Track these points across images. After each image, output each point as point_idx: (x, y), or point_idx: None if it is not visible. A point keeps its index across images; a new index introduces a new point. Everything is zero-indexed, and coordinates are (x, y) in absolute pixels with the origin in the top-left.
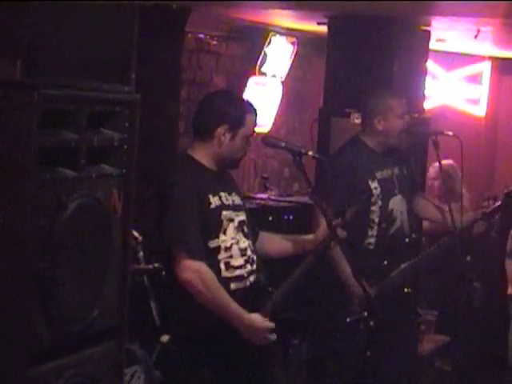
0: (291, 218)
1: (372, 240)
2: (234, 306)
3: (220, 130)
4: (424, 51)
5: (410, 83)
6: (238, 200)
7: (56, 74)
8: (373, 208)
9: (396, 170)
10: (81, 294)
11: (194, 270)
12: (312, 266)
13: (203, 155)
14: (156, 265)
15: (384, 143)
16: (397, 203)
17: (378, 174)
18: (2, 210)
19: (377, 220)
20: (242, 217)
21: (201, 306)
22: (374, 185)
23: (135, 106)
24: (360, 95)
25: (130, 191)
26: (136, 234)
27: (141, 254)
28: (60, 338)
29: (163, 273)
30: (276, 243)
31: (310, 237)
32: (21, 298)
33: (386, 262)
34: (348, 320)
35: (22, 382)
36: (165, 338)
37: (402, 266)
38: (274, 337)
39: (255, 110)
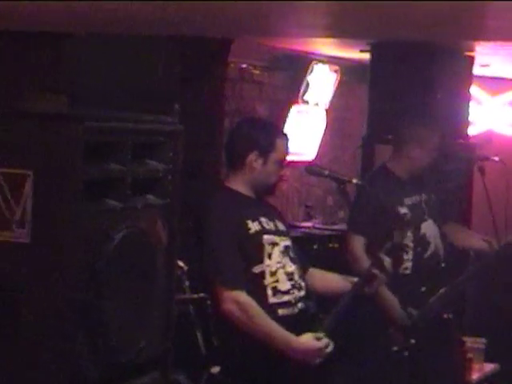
0: (336, 246)
1: (408, 264)
2: (278, 330)
3: (251, 157)
4: (468, 77)
5: (454, 109)
6: (281, 226)
7: (100, 106)
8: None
9: (424, 196)
10: (127, 324)
11: (232, 300)
12: (360, 292)
13: (239, 183)
14: (201, 294)
15: (410, 171)
16: (429, 228)
17: (407, 200)
18: (48, 241)
19: (411, 244)
20: (288, 242)
21: (246, 335)
22: (403, 210)
23: (179, 137)
24: (397, 122)
25: (174, 221)
26: (181, 263)
27: (186, 283)
28: (106, 370)
29: (208, 302)
30: (327, 282)
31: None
32: (67, 330)
33: (423, 289)
34: (395, 349)
35: None
36: (215, 369)
37: (440, 291)
38: (329, 350)
39: (285, 134)
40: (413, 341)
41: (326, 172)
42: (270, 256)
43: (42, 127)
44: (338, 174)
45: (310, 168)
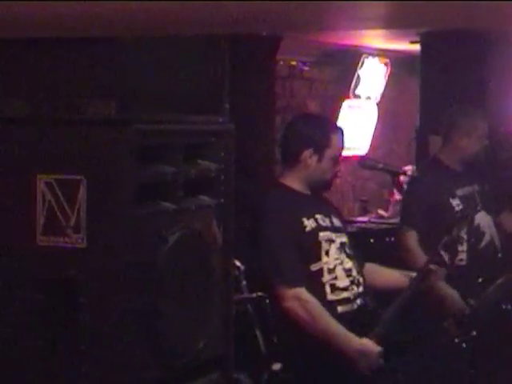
0: (393, 239)
1: (463, 256)
2: (340, 330)
3: (306, 154)
4: None
5: (507, 98)
6: (337, 222)
7: (150, 108)
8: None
9: (476, 187)
10: (185, 325)
11: (293, 297)
12: (419, 288)
13: (294, 180)
14: (259, 293)
15: (462, 160)
16: (482, 218)
17: (459, 192)
18: (104, 245)
19: (465, 236)
20: (344, 238)
21: (307, 332)
22: (455, 202)
23: (230, 136)
24: (447, 112)
25: (229, 221)
26: (238, 263)
27: (244, 283)
28: (166, 372)
29: (267, 301)
30: (384, 276)
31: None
32: (125, 333)
33: (480, 280)
34: (456, 340)
35: None
36: (276, 366)
37: (498, 282)
38: (381, 361)
39: (341, 129)
40: (474, 332)
41: (380, 165)
42: (327, 253)
43: (92, 132)
44: (392, 167)
45: (363, 162)
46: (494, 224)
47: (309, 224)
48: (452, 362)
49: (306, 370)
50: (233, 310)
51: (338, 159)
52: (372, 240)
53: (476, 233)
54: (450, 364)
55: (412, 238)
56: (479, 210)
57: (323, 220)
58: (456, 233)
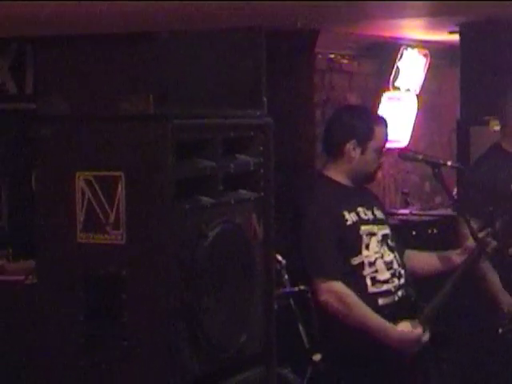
0: (435, 231)
1: None
2: (375, 318)
3: (349, 146)
4: None
5: None
6: (380, 214)
7: (188, 103)
8: None
9: None
10: (227, 320)
11: (329, 290)
12: (462, 280)
13: (337, 173)
14: (301, 287)
15: None
16: None
17: None
18: (144, 242)
19: None
20: (386, 230)
21: (345, 324)
22: None
23: (269, 130)
24: (497, 100)
25: (269, 215)
26: (279, 257)
27: (286, 277)
28: (210, 366)
29: (309, 295)
30: (423, 261)
31: (457, 251)
32: (168, 329)
33: None
34: (500, 331)
35: None
36: (317, 357)
37: None
38: (425, 339)
39: (385, 121)
40: None
41: (420, 157)
42: (367, 247)
43: (130, 128)
44: (433, 158)
45: (404, 154)
46: None
47: (350, 218)
48: (500, 354)
49: (346, 361)
50: (274, 304)
51: (381, 151)
52: (414, 232)
53: None
54: (497, 356)
55: (473, 227)
56: None
57: (365, 213)
58: (498, 226)
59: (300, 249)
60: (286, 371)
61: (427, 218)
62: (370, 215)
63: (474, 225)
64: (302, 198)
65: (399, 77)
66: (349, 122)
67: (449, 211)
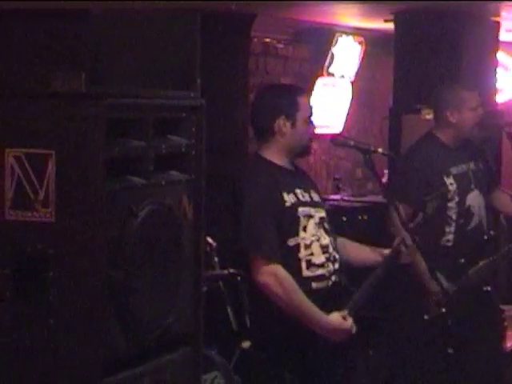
0: (365, 217)
1: (450, 237)
2: (311, 308)
3: (278, 122)
4: (494, 43)
5: (481, 76)
6: (316, 197)
7: (120, 83)
8: (450, 204)
9: (472, 165)
10: (155, 301)
11: (270, 273)
12: (392, 265)
13: (273, 152)
14: (231, 270)
15: (457, 137)
16: (474, 199)
17: (453, 170)
18: (73, 220)
19: (454, 216)
20: (322, 213)
21: (280, 309)
22: (449, 181)
23: (201, 112)
24: (431, 90)
25: (200, 197)
26: (210, 240)
27: (216, 260)
28: (136, 346)
29: (239, 278)
30: (357, 252)
31: (389, 251)
32: (95, 307)
33: (463, 260)
34: (426, 317)
35: None
36: (246, 344)
37: (480, 263)
38: (353, 330)
39: (305, 91)
40: (443, 310)
41: (352, 142)
42: (305, 229)
43: (61, 106)
44: (364, 144)
45: (336, 139)
46: (484, 205)
47: (289, 199)
48: (426, 341)
49: (276, 346)
50: (203, 285)
51: (310, 121)
52: (345, 218)
53: (465, 214)
54: (423, 342)
55: (406, 213)
56: (472, 190)
57: (302, 195)
58: (430, 211)
59: (239, 230)
60: (213, 353)
61: (358, 205)
62: (307, 197)
63: (404, 211)
64: (240, 180)
65: (334, 63)
66: (273, 100)
67: (380, 198)
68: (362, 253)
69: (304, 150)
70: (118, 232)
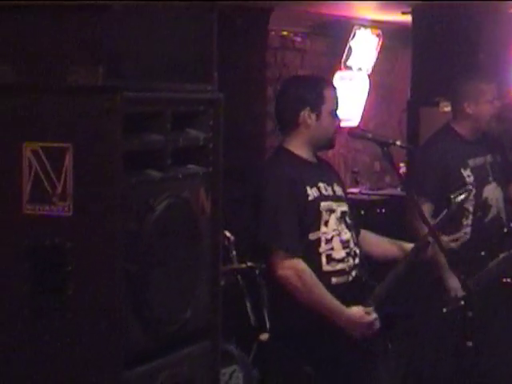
0: (383, 211)
1: (467, 229)
2: (332, 301)
3: (303, 114)
4: (511, 36)
5: (498, 69)
6: (339, 191)
7: (138, 76)
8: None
9: (489, 158)
10: (173, 294)
11: (290, 267)
12: (414, 261)
13: (297, 145)
14: (249, 264)
15: (475, 129)
16: (491, 191)
17: (471, 162)
18: (90, 214)
19: (471, 209)
20: (344, 207)
21: (299, 302)
22: (466, 173)
23: (219, 105)
24: (449, 82)
25: (217, 190)
26: (228, 234)
27: (234, 253)
28: (154, 340)
29: (257, 272)
30: (378, 245)
31: (415, 244)
32: (113, 301)
33: (483, 253)
34: (444, 310)
35: None
36: (264, 337)
37: (501, 256)
38: (377, 326)
39: (332, 84)
40: (462, 302)
41: (370, 135)
42: (326, 223)
43: (79, 100)
44: (382, 137)
45: (353, 132)
46: (502, 197)
47: (312, 193)
48: (444, 334)
49: (296, 340)
50: (220, 279)
51: (335, 113)
52: (363, 211)
53: (483, 206)
54: (442, 336)
55: (425, 208)
56: (489, 182)
57: (325, 189)
58: (455, 206)
59: (260, 222)
60: (232, 347)
61: (376, 198)
62: (330, 191)
63: (423, 205)
64: (265, 171)
65: (351, 56)
66: (298, 92)
67: (397, 191)
68: (384, 245)
69: (328, 143)
70: (136, 226)
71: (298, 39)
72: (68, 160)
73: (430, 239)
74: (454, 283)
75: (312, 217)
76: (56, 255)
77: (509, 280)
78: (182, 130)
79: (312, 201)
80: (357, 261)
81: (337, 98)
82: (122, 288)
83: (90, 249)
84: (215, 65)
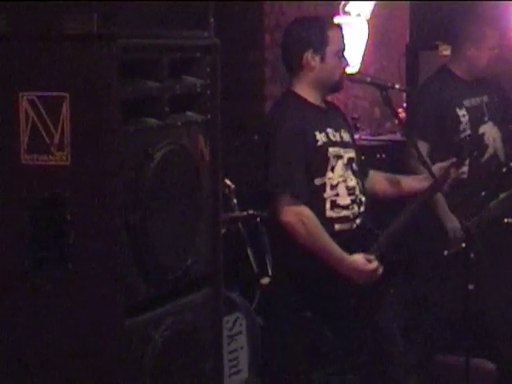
0: (384, 156)
1: (464, 169)
2: (335, 249)
3: (306, 56)
4: None
5: (498, 12)
6: (347, 136)
7: (133, 23)
8: (462, 136)
9: (485, 98)
10: (174, 242)
11: (296, 213)
12: (420, 209)
13: (303, 87)
14: (250, 212)
15: (471, 71)
16: (487, 130)
17: (466, 102)
18: (89, 163)
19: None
20: (352, 154)
21: (303, 248)
22: (461, 112)
23: (216, 51)
24: (448, 26)
25: (216, 137)
26: (228, 182)
27: (234, 201)
28: (156, 288)
29: (258, 219)
30: (385, 183)
31: (421, 177)
32: (114, 250)
33: (483, 193)
34: (446, 253)
35: (121, 332)
36: (265, 280)
37: (501, 196)
38: (379, 273)
39: (338, 25)
40: (463, 245)
41: (369, 79)
42: (332, 169)
43: (74, 48)
44: (381, 80)
45: (352, 76)
46: (500, 137)
47: (320, 138)
48: (446, 277)
49: (299, 286)
50: (221, 227)
51: (341, 55)
52: (363, 157)
53: (479, 145)
54: (443, 279)
55: (423, 150)
56: (485, 122)
57: (333, 135)
58: (464, 156)
59: (270, 169)
60: (234, 295)
61: (376, 143)
62: (338, 137)
63: (425, 148)
64: (273, 120)
65: (349, 2)
66: (301, 33)
67: (398, 136)
68: (394, 184)
69: (336, 86)
70: (135, 174)
71: None
72: (65, 109)
73: (451, 172)
74: (452, 223)
75: (319, 162)
76: (55, 205)
77: (510, 220)
78: (179, 77)
79: (320, 146)
80: (362, 209)
81: (343, 39)
82: (123, 237)
83: (89, 198)
84: (211, 11)
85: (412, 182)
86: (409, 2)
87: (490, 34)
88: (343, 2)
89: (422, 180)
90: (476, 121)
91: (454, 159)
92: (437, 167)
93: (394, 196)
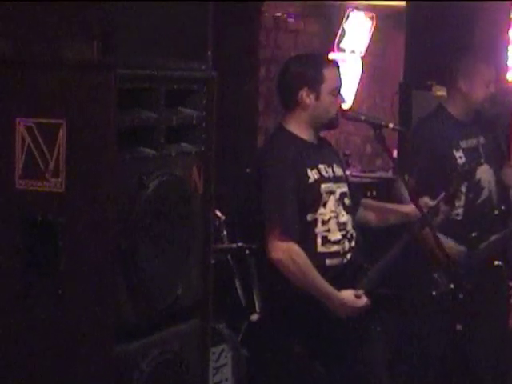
0: (374, 193)
1: (460, 211)
2: (324, 286)
3: (301, 93)
4: (506, 20)
5: (493, 53)
6: (339, 171)
7: (133, 53)
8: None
9: (482, 140)
10: (164, 271)
11: (285, 249)
12: (408, 244)
13: (297, 125)
14: (240, 244)
15: (468, 109)
16: (484, 173)
17: (463, 143)
18: (83, 191)
19: (464, 190)
20: (344, 188)
21: (292, 283)
22: (458, 154)
23: (213, 84)
24: (442, 66)
25: (210, 169)
26: (219, 213)
27: (224, 233)
28: (145, 316)
29: (247, 251)
30: (377, 212)
31: (410, 208)
32: (105, 277)
33: (474, 234)
34: (434, 293)
35: (109, 360)
36: (254, 317)
37: (492, 238)
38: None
39: (334, 62)
40: (452, 286)
41: (363, 117)
42: (325, 205)
43: (73, 76)
44: (375, 119)
45: (346, 113)
46: (494, 179)
47: (312, 175)
48: (434, 317)
49: (286, 320)
50: (211, 257)
51: (337, 93)
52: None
53: (475, 188)
54: (431, 319)
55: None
56: (482, 164)
57: (326, 170)
58: (456, 187)
59: (261, 202)
60: (221, 326)
61: (367, 180)
62: (330, 173)
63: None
64: (266, 154)
65: (345, 38)
66: (297, 70)
67: (389, 174)
68: (385, 213)
69: (330, 123)
70: (128, 202)
71: (292, 20)
72: (61, 136)
73: (442, 205)
74: (454, 248)
75: (311, 199)
76: (48, 231)
77: (500, 263)
78: (176, 108)
79: (312, 183)
80: (353, 244)
81: (339, 77)
82: (114, 264)
83: (83, 224)
84: (210, 44)
85: (403, 208)
86: (404, 40)
87: (485, 70)
88: (338, 38)
89: (414, 208)
90: (473, 163)
91: (443, 194)
92: (423, 201)
93: (386, 223)
